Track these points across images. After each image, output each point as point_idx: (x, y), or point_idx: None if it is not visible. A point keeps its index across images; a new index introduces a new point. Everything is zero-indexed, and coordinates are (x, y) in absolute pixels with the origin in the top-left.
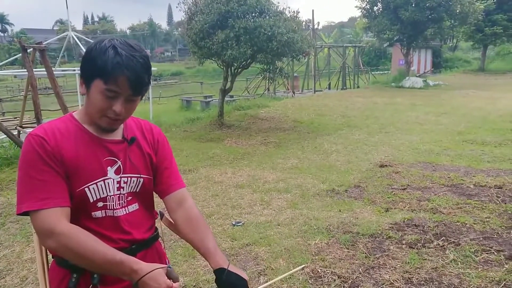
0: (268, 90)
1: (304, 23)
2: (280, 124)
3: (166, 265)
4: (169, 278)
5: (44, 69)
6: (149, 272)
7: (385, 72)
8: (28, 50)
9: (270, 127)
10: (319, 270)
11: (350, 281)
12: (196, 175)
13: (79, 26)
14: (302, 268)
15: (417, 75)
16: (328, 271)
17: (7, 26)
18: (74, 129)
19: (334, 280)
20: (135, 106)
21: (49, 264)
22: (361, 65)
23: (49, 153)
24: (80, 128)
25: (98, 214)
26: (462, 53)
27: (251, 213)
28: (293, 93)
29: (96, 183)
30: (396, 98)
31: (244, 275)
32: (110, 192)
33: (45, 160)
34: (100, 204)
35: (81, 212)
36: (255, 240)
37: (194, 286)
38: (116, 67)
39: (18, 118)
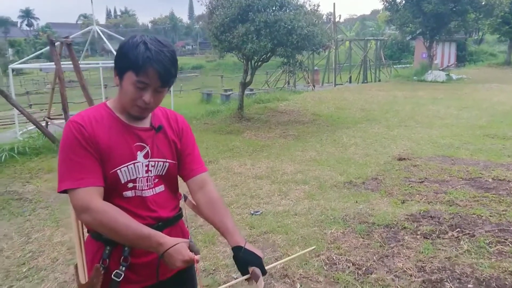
0: (288, 83)
1: (325, 16)
2: (299, 117)
3: (188, 240)
4: (191, 251)
5: (69, 62)
6: (174, 245)
7: (407, 65)
8: (56, 44)
9: (289, 120)
10: (334, 258)
11: (364, 268)
12: (216, 166)
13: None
14: (313, 249)
15: (440, 68)
16: (343, 259)
17: (33, 21)
18: (107, 117)
19: (349, 267)
20: (162, 97)
21: (85, 238)
22: (383, 59)
23: (86, 138)
24: (113, 116)
25: (128, 194)
26: (487, 46)
27: (269, 203)
28: (313, 86)
29: (127, 166)
30: (417, 92)
31: (259, 253)
32: (139, 174)
33: (83, 145)
34: (130, 185)
35: (113, 192)
36: (272, 228)
37: (214, 270)
38: (146, 60)
39: (44, 110)
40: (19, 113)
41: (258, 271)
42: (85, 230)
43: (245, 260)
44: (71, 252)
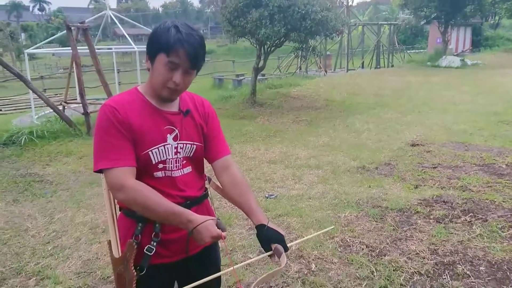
0: (300, 68)
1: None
2: (312, 103)
3: (216, 217)
4: (218, 228)
5: (84, 47)
6: (203, 222)
7: (421, 50)
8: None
9: (302, 106)
10: (348, 240)
11: (377, 250)
12: (230, 151)
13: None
14: (332, 229)
15: (455, 54)
16: (357, 241)
17: (45, 5)
18: (139, 101)
19: (362, 249)
20: (191, 79)
21: (117, 216)
22: (396, 44)
23: (120, 121)
24: (143, 101)
25: (159, 174)
26: (504, 31)
27: (283, 187)
28: (325, 72)
29: (157, 148)
30: (431, 77)
31: (281, 231)
32: (169, 156)
33: (117, 127)
34: (160, 166)
35: (144, 173)
36: (287, 211)
37: (231, 250)
38: (177, 41)
39: (59, 95)
40: (35, 97)
41: (280, 247)
42: (117, 208)
43: (267, 238)
44: (93, 232)
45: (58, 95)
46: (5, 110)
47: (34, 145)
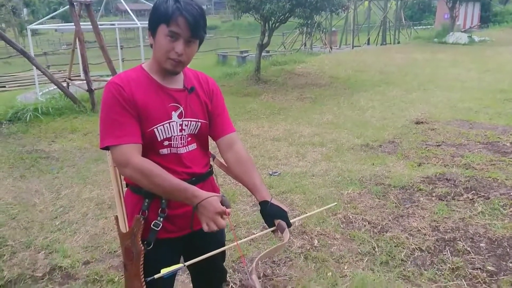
0: (305, 45)
1: None
2: (316, 80)
3: (221, 194)
4: (223, 204)
5: (87, 23)
6: (207, 198)
7: (428, 27)
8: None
9: (306, 83)
10: (351, 216)
11: (379, 227)
12: (235, 128)
13: None
14: (335, 205)
15: (462, 30)
16: (359, 218)
17: None
18: (143, 78)
19: (365, 226)
20: (193, 51)
21: (124, 192)
22: (403, 20)
23: (125, 98)
24: (148, 78)
25: (164, 151)
26: None
27: (287, 164)
28: (331, 48)
29: (163, 125)
30: (438, 54)
31: (284, 207)
32: (174, 133)
33: (122, 105)
34: (166, 143)
35: (150, 150)
36: (290, 188)
37: (235, 226)
38: (176, 10)
39: (62, 71)
40: (39, 74)
41: (283, 223)
42: (124, 184)
43: (271, 214)
44: (99, 208)
45: (62, 71)
46: (9, 87)
47: (39, 122)
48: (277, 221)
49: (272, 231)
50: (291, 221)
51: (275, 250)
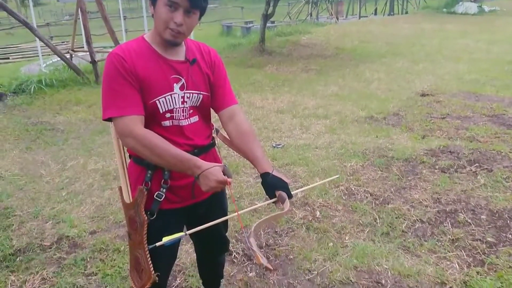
0: (311, 15)
1: None
2: (321, 51)
3: (223, 164)
4: (224, 174)
5: None
6: (209, 168)
7: None
8: None
9: (311, 54)
10: (353, 188)
11: (381, 199)
12: (238, 100)
13: None
14: (337, 178)
15: (472, 0)
16: (361, 190)
17: None
18: (145, 49)
19: (367, 197)
20: (194, 22)
21: (127, 163)
22: None
23: (127, 69)
24: (150, 49)
25: (167, 123)
26: None
27: (290, 137)
28: (337, 19)
29: (164, 97)
30: (446, 24)
31: (286, 178)
32: (176, 105)
33: (124, 76)
34: (168, 115)
35: (152, 122)
36: (294, 160)
37: (238, 197)
38: None
39: (65, 42)
40: (43, 45)
41: (284, 194)
42: (127, 155)
43: (272, 185)
44: (105, 179)
45: (65, 42)
46: (13, 58)
47: (43, 94)
48: (278, 192)
49: (273, 202)
50: (292, 192)
51: (274, 217)
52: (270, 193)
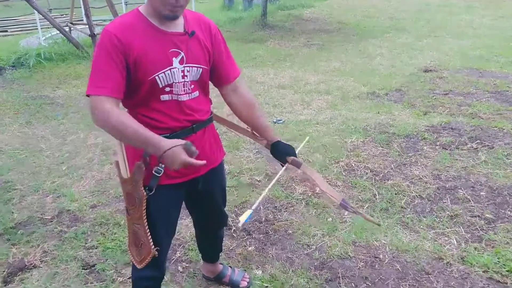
0: None
1: None
2: (324, 26)
3: (184, 142)
4: (187, 153)
5: None
6: (169, 149)
7: None
8: None
9: (314, 29)
10: (353, 164)
11: (381, 175)
12: (239, 70)
13: None
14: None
15: None
16: (362, 166)
17: None
18: (141, 23)
19: (366, 173)
20: None
21: None
22: None
23: (116, 48)
24: (146, 22)
25: (165, 97)
26: None
27: (291, 112)
28: None
29: (164, 72)
30: None
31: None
32: (175, 79)
33: (111, 55)
34: (167, 89)
35: (151, 96)
36: (294, 136)
37: (238, 172)
38: None
39: (64, 15)
40: (42, 18)
41: (298, 159)
42: None
43: (284, 151)
44: (105, 154)
45: (64, 15)
46: (11, 31)
47: (42, 68)
48: (290, 158)
49: (285, 169)
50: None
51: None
52: (282, 159)
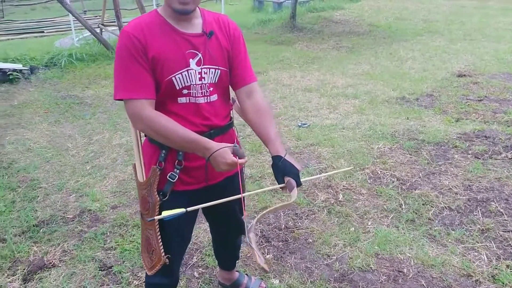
0: None
1: None
2: (354, 28)
3: (233, 144)
4: (236, 155)
5: None
6: (218, 150)
7: None
8: None
9: (343, 31)
10: (379, 172)
11: (408, 184)
12: (265, 78)
13: None
14: (350, 169)
15: None
16: (388, 173)
17: None
18: (159, 24)
19: (393, 182)
20: None
21: (142, 141)
22: None
23: (138, 49)
24: (164, 23)
25: (183, 100)
26: None
27: (317, 116)
28: None
29: (181, 73)
30: (487, 1)
31: (298, 165)
32: (193, 81)
33: (135, 56)
34: (185, 91)
35: (168, 98)
36: (319, 141)
37: (260, 177)
38: None
39: (98, 17)
40: (75, 19)
41: (293, 181)
42: (143, 134)
43: (282, 170)
44: (128, 154)
45: (98, 17)
46: (47, 32)
47: (74, 68)
48: (287, 179)
49: (280, 187)
50: (304, 179)
51: (280, 208)
52: (279, 178)
